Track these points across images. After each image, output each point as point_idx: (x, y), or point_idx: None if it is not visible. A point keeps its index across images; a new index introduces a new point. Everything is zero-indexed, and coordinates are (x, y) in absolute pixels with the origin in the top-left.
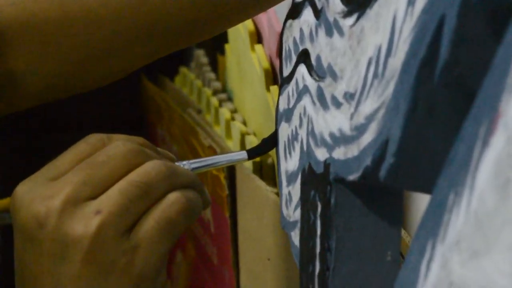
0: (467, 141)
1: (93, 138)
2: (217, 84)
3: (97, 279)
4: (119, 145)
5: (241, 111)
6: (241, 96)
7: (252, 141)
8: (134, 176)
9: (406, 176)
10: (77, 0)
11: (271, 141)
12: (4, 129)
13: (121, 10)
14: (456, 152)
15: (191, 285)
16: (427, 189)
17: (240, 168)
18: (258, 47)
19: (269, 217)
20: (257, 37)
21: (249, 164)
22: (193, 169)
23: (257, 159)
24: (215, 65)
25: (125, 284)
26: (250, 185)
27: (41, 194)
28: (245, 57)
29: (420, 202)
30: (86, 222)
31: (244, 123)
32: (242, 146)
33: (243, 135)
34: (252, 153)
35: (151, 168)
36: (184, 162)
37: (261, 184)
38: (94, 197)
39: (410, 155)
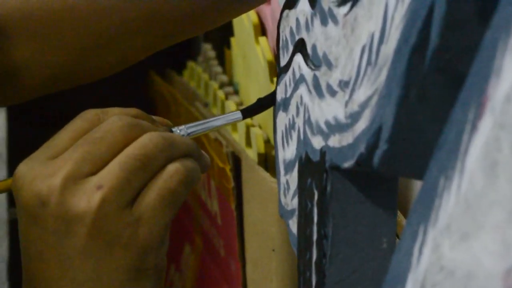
0: (456, 126)
1: (88, 114)
2: (224, 78)
3: (102, 252)
4: (115, 120)
5: (247, 104)
6: (246, 89)
7: (257, 133)
8: (133, 149)
9: (399, 162)
10: None
11: (267, 102)
12: (15, 119)
13: (124, 0)
14: (446, 137)
15: (199, 278)
16: (420, 175)
17: (245, 159)
18: (262, 39)
19: (274, 208)
20: (261, 30)
21: (254, 156)
22: (190, 133)
23: (262, 151)
24: (223, 59)
25: (130, 256)
26: (255, 176)
27: (42, 173)
28: (250, 50)
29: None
30: (88, 197)
31: None
32: (247, 138)
33: (248, 127)
34: (246, 113)
35: (148, 140)
36: (182, 127)
37: (266, 175)
38: (94, 172)
39: (403, 142)
